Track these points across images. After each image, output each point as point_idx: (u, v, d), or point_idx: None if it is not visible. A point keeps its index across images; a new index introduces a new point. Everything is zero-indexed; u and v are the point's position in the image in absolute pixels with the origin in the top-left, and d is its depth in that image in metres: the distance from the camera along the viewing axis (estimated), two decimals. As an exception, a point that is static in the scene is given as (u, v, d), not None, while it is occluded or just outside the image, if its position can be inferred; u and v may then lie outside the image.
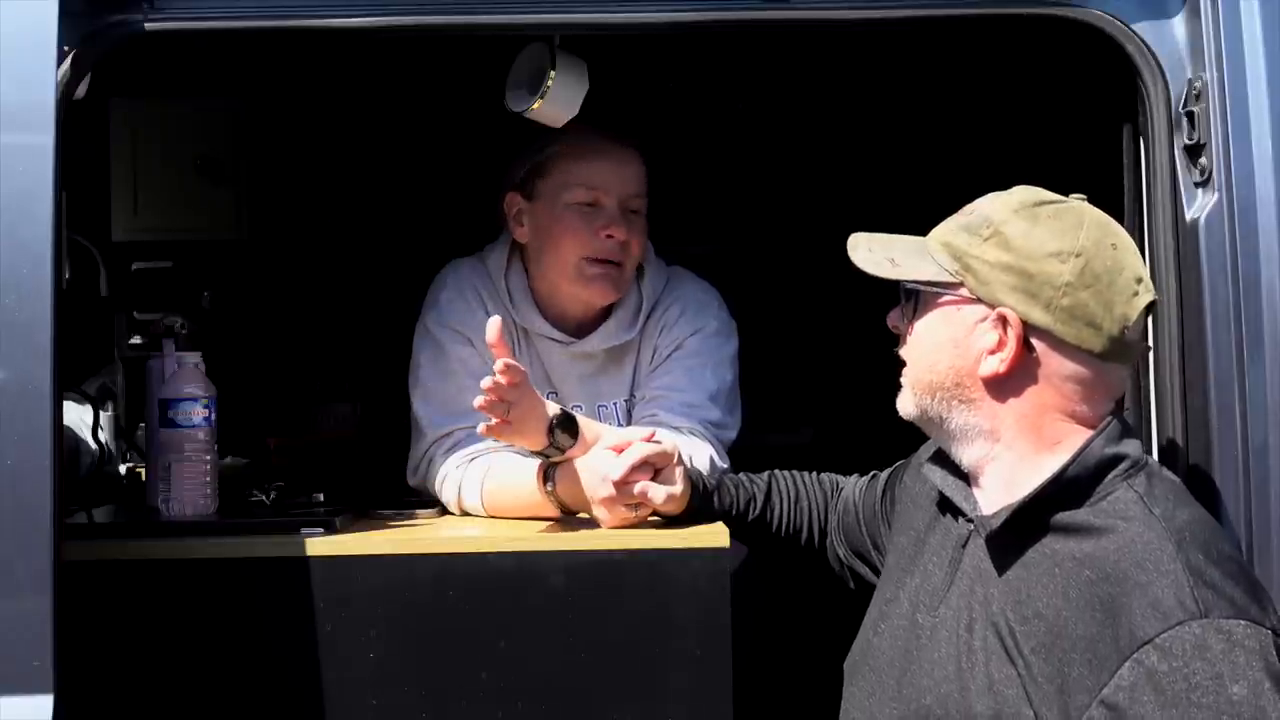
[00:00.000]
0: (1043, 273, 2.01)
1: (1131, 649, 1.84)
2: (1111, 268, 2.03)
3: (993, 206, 2.09)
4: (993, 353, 2.03)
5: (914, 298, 2.11)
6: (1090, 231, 2.04)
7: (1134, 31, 2.36)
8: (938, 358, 2.07)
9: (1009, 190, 2.13)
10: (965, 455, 2.10)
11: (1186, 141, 2.34)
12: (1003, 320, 2.02)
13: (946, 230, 2.12)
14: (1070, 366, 2.03)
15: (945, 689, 2.00)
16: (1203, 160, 2.33)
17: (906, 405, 2.14)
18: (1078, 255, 2.01)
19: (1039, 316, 2.01)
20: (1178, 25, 2.37)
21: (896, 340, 2.18)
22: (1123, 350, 2.05)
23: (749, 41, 3.95)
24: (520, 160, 2.91)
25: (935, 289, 2.08)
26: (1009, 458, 2.05)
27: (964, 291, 2.06)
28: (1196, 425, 2.31)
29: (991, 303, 2.03)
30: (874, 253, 2.13)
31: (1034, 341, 2.02)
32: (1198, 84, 2.33)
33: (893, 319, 2.17)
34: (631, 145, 2.90)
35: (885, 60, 4.16)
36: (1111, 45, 2.38)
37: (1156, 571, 1.87)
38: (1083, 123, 3.12)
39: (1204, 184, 2.33)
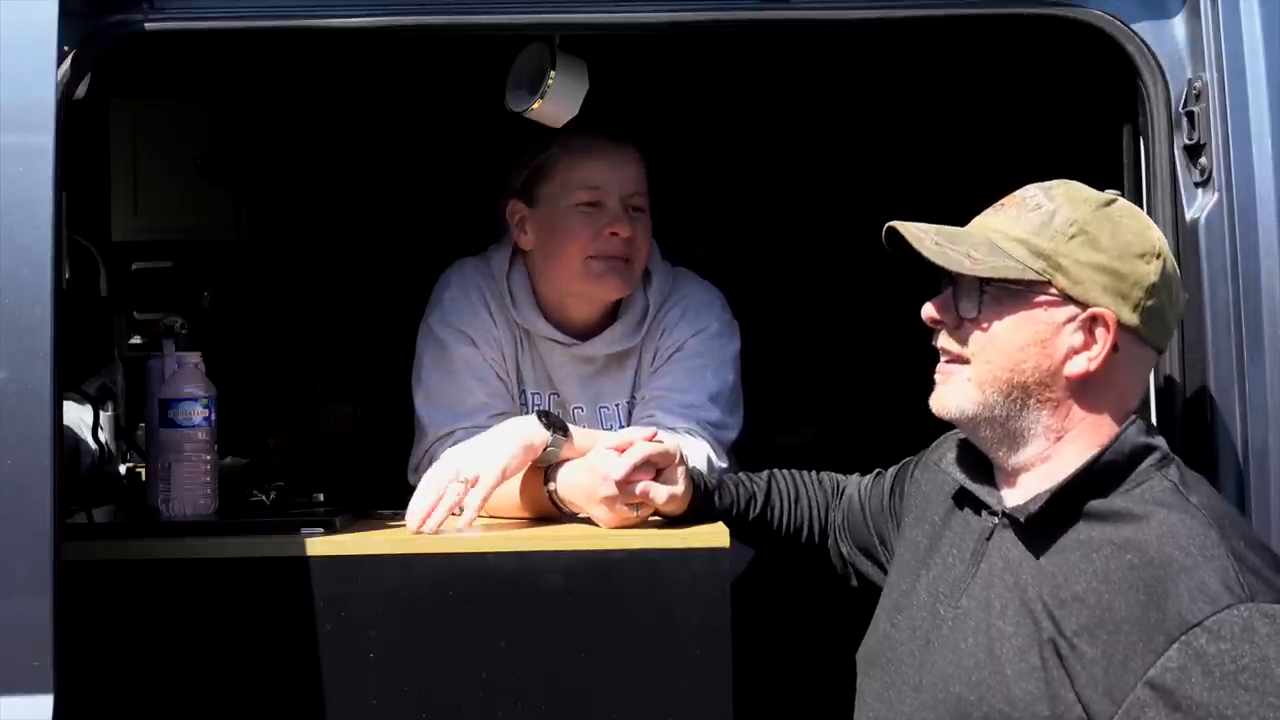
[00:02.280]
0: (1134, 273, 2.02)
1: (1180, 631, 1.85)
2: (1176, 268, 2.09)
3: (1067, 205, 2.05)
4: (1078, 352, 2.03)
5: (982, 293, 2.06)
6: (1158, 231, 2.09)
7: (1134, 31, 2.37)
8: (1022, 358, 2.04)
9: (1055, 183, 2.10)
10: (1016, 456, 2.08)
11: (1186, 141, 2.34)
12: (1092, 320, 2.02)
13: (1011, 225, 2.07)
14: (1142, 365, 2.08)
15: (978, 675, 2.01)
16: (1203, 160, 2.33)
17: (961, 403, 2.08)
18: (1158, 256, 2.05)
19: (1129, 316, 2.02)
20: (1178, 25, 2.37)
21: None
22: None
23: (749, 41, 3.95)
24: (518, 166, 2.90)
25: (1020, 287, 2.04)
26: (1064, 455, 2.05)
27: (1052, 291, 2.03)
28: (1197, 426, 2.31)
29: (1084, 302, 2.02)
30: (943, 246, 2.07)
31: (1120, 341, 2.02)
32: (1198, 84, 2.33)
33: (935, 312, 2.11)
34: (629, 143, 2.89)
35: (886, 60, 4.16)
36: (1111, 45, 2.38)
37: (1202, 556, 1.89)
38: (1083, 123, 3.13)
39: (1204, 184, 2.33)
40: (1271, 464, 2.26)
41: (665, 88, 4.44)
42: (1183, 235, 2.34)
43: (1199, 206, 2.33)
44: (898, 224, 2.10)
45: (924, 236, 2.09)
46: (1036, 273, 2.03)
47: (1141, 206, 2.42)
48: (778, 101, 4.55)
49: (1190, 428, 2.33)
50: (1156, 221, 2.37)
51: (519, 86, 2.87)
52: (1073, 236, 2.03)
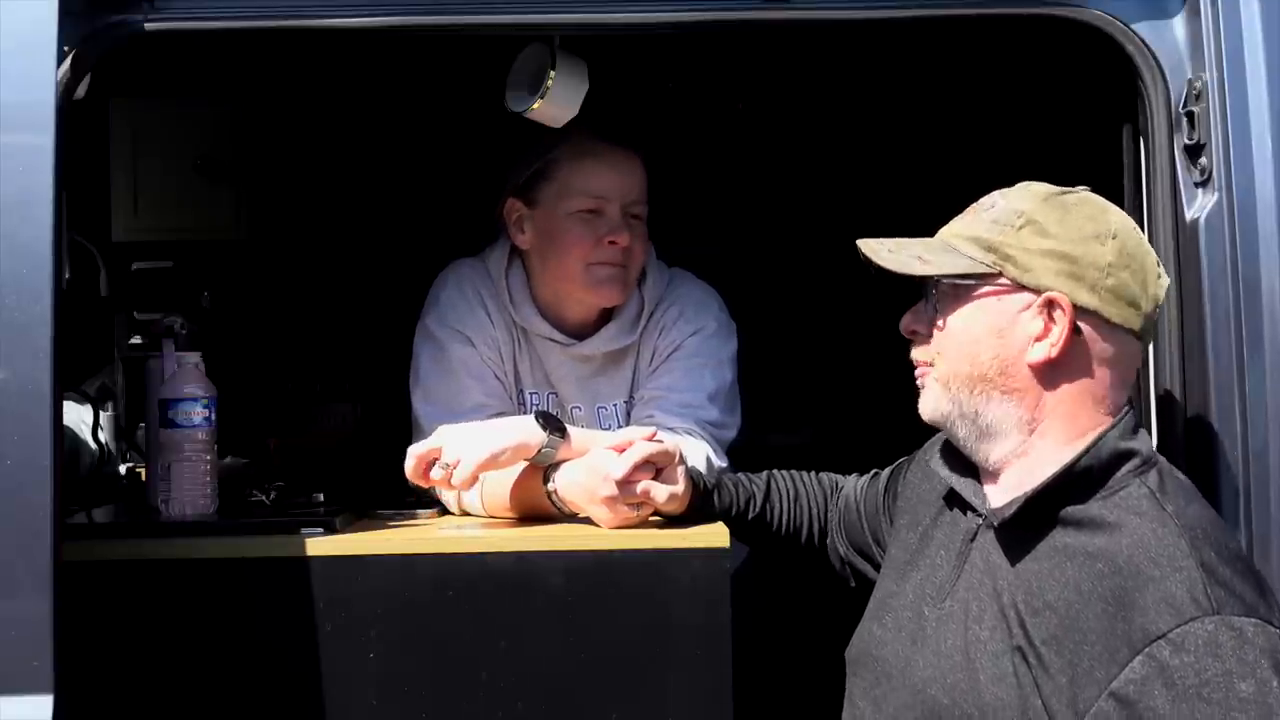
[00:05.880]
0: (1086, 255, 2.02)
1: (1144, 643, 1.85)
2: (1141, 248, 2.07)
3: (1018, 199, 2.08)
4: (1039, 339, 2.03)
5: (937, 293, 2.09)
6: (1115, 214, 2.08)
7: (1134, 31, 2.37)
8: (978, 349, 2.05)
9: (1015, 186, 2.13)
10: (994, 451, 2.08)
11: (1186, 141, 2.34)
12: (1049, 305, 2.02)
13: (966, 227, 2.10)
14: (1112, 348, 2.05)
15: (953, 679, 2.01)
16: (1203, 160, 2.33)
17: (936, 404, 2.10)
18: (1114, 236, 2.04)
19: (1086, 298, 2.02)
20: (1178, 25, 2.37)
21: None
22: (1152, 330, 2.09)
23: (749, 41, 3.95)
24: (521, 164, 2.90)
25: (971, 281, 2.06)
26: (1040, 449, 2.05)
27: (1003, 281, 2.04)
28: (1196, 426, 2.31)
29: (1036, 288, 2.02)
30: (896, 253, 2.10)
31: (1081, 324, 2.02)
32: (1198, 84, 2.33)
33: (909, 323, 2.14)
34: (633, 151, 2.89)
35: (886, 60, 4.16)
36: (1111, 45, 2.38)
37: (1170, 567, 1.89)
38: (1083, 123, 3.13)
39: (1204, 184, 2.33)
40: (1271, 464, 2.26)
41: (665, 88, 4.44)
42: (1183, 235, 2.34)
43: (1199, 206, 2.33)
44: (859, 241, 2.13)
45: (879, 247, 2.12)
46: (986, 265, 2.05)
47: (1141, 206, 2.43)
48: (778, 101, 4.54)
49: (1190, 428, 2.33)
50: (1156, 221, 2.37)
51: (519, 86, 2.87)
52: (1020, 227, 2.04)
